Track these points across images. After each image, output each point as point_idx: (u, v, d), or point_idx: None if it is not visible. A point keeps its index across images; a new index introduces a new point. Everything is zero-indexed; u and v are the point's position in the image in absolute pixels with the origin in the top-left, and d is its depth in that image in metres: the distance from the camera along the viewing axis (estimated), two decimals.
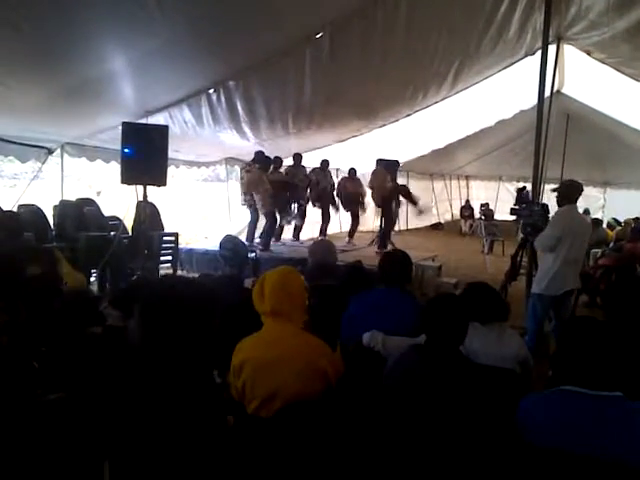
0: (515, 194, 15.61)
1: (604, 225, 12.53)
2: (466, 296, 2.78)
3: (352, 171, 10.64)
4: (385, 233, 9.57)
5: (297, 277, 2.45)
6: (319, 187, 10.05)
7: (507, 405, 2.00)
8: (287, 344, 2.29)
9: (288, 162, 9.73)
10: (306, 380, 2.21)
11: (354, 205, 10.59)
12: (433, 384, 2.05)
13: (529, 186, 6.08)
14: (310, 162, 10.20)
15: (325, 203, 10.31)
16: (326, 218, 10.50)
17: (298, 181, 9.55)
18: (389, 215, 9.74)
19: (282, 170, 9.49)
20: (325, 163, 10.30)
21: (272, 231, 9.03)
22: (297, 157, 9.70)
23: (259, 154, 8.59)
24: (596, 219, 12.99)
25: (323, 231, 10.39)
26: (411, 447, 1.89)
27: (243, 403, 2.29)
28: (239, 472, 1.87)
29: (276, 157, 9.08)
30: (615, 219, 12.93)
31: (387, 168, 10.07)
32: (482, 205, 17.03)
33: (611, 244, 9.82)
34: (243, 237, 8.27)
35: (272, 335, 2.32)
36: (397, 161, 11.08)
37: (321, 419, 2.06)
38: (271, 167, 8.97)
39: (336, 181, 11.07)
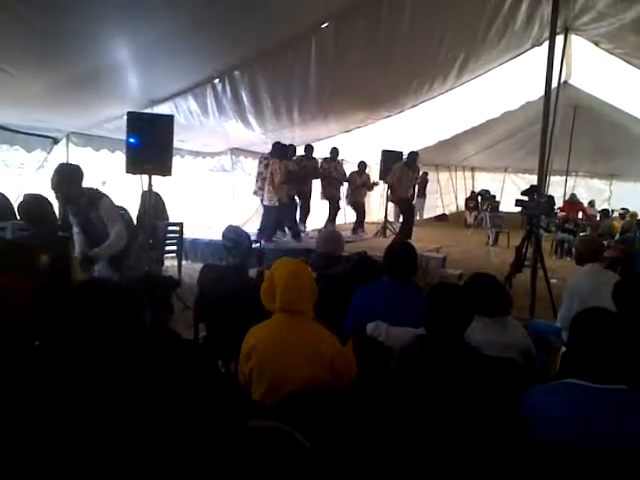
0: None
1: (615, 215, 12.54)
2: (469, 287, 2.77)
3: (362, 165, 10.61)
4: (407, 227, 9.51)
5: (307, 270, 2.43)
6: (330, 178, 10.03)
7: (511, 396, 2.00)
8: (297, 333, 2.30)
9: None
10: (313, 370, 2.21)
11: (361, 197, 10.62)
12: (438, 374, 2.05)
13: (534, 179, 6.03)
14: (316, 152, 10.13)
15: (334, 194, 10.29)
16: (334, 209, 10.45)
17: (306, 171, 9.49)
18: (409, 211, 9.70)
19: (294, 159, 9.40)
20: (335, 152, 10.26)
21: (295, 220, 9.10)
22: (308, 148, 9.66)
23: (277, 145, 8.54)
24: (605, 210, 12.98)
25: (332, 220, 10.37)
26: (417, 439, 1.90)
27: (249, 389, 2.30)
28: None
29: (290, 144, 8.97)
30: (626, 209, 12.91)
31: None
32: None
33: (617, 236, 9.79)
34: (247, 228, 8.25)
35: (282, 324, 2.33)
36: (401, 152, 11.04)
37: (327, 408, 2.07)
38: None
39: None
